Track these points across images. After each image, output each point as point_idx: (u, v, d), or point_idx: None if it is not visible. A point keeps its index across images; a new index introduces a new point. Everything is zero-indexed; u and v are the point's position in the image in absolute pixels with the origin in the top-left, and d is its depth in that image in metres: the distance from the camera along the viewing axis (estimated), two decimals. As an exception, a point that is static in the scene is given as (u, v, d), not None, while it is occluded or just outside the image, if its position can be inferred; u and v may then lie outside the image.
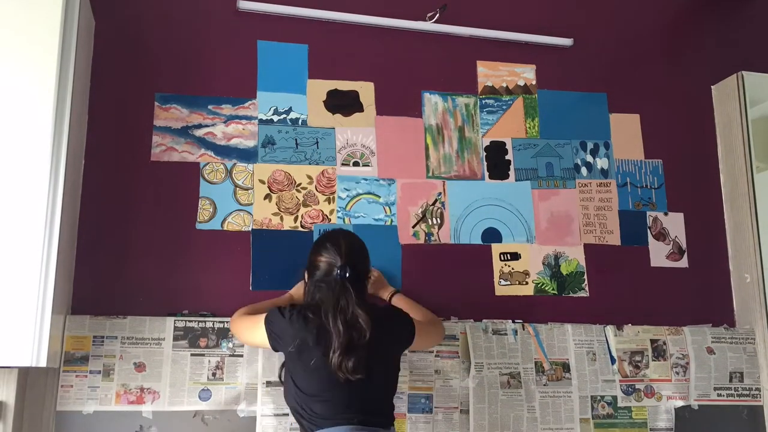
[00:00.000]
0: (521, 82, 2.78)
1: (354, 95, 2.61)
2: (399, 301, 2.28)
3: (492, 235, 2.60)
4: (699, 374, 2.56)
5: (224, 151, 2.45)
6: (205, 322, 2.24)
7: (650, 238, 2.74)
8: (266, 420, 2.20)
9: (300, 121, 2.54)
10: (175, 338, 2.21)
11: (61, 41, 1.93)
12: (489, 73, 2.75)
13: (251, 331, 2.02)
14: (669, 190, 2.80)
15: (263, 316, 1.97)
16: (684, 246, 2.76)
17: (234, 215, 2.41)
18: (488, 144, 2.68)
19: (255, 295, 2.35)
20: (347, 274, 1.91)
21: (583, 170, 2.75)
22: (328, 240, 2.02)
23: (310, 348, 1.86)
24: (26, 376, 2.05)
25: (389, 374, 2.01)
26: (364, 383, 1.85)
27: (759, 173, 2.74)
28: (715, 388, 2.57)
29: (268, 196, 2.45)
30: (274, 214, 2.44)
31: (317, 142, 2.54)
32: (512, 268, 2.59)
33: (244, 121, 2.49)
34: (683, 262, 2.75)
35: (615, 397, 2.47)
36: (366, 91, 2.62)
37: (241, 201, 2.43)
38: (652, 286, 2.68)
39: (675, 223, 2.77)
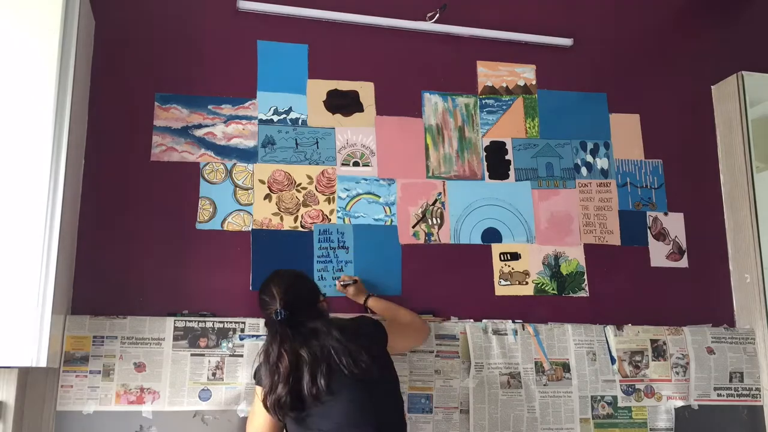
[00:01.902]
0: (521, 82, 2.78)
1: (354, 95, 2.61)
2: (375, 304, 2.31)
3: (492, 235, 2.60)
4: (699, 374, 2.56)
5: (224, 151, 2.45)
6: (205, 322, 2.24)
7: (650, 238, 2.74)
8: (266, 420, 2.19)
9: (300, 121, 2.54)
10: (175, 338, 2.21)
11: (61, 41, 1.93)
12: (489, 73, 2.75)
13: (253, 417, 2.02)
14: (669, 190, 2.80)
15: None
16: (684, 246, 2.76)
17: (234, 215, 2.41)
18: (488, 144, 2.68)
19: (255, 295, 2.34)
20: (284, 317, 1.93)
21: (583, 170, 2.75)
22: (264, 289, 2.04)
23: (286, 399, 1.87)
24: (26, 376, 2.05)
25: (385, 385, 2.00)
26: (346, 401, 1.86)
27: (759, 173, 2.74)
28: (715, 388, 2.57)
29: (268, 196, 2.45)
30: (274, 214, 2.44)
31: (317, 142, 2.54)
32: (512, 268, 2.59)
33: (244, 121, 2.49)
34: (683, 262, 2.75)
35: (615, 397, 2.47)
36: (366, 91, 2.62)
37: (241, 201, 2.43)
38: (652, 286, 2.68)
39: (675, 223, 2.77)
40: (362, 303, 2.35)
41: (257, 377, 1.98)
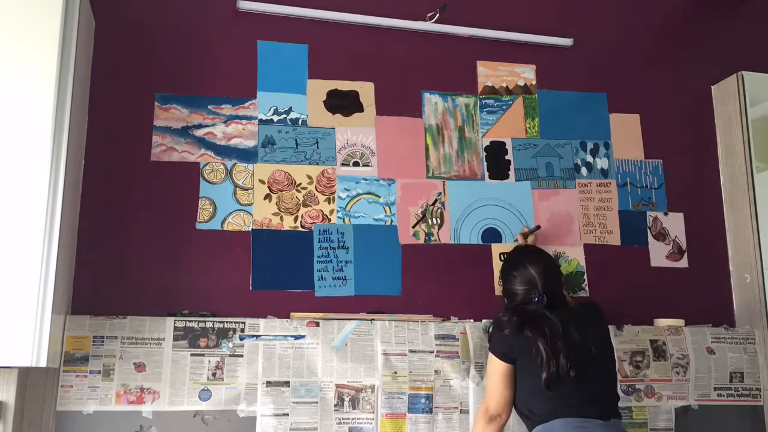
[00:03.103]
0: (521, 82, 2.78)
1: (354, 95, 2.61)
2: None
3: (492, 235, 2.60)
4: (699, 374, 2.56)
5: (224, 151, 2.45)
6: (205, 322, 2.24)
7: (650, 238, 2.74)
8: (266, 420, 2.20)
9: (300, 121, 2.54)
10: (175, 338, 2.21)
11: (61, 41, 1.93)
12: (489, 73, 2.75)
13: (492, 378, 2.09)
14: (669, 190, 2.80)
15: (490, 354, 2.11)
16: (684, 246, 2.76)
17: (234, 215, 2.41)
18: (488, 144, 2.68)
19: (255, 295, 2.35)
20: (545, 301, 2.05)
21: (583, 170, 2.75)
22: (520, 266, 2.16)
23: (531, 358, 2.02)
24: (26, 376, 2.05)
25: (609, 365, 2.12)
26: (585, 379, 1.99)
27: (759, 173, 2.74)
28: (715, 388, 2.57)
29: (268, 196, 2.45)
30: (274, 214, 2.44)
31: (317, 142, 2.54)
32: (512, 268, 2.58)
33: (244, 121, 2.49)
34: (683, 262, 2.75)
35: (615, 397, 2.47)
36: (366, 91, 2.62)
37: (241, 201, 2.43)
38: (652, 286, 2.68)
39: (675, 223, 2.77)
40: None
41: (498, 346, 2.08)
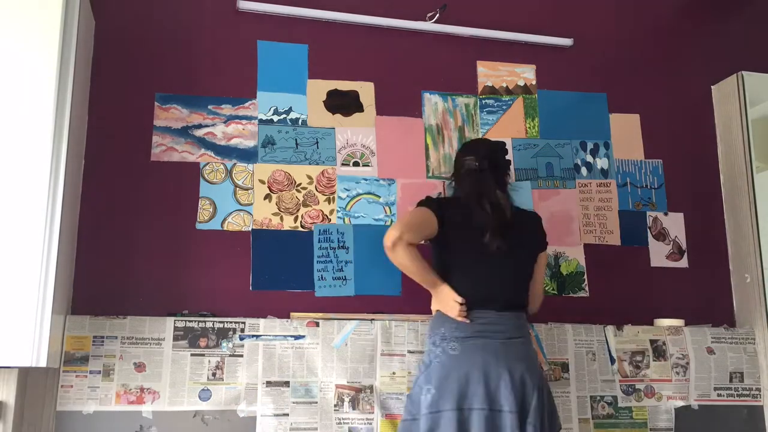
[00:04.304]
0: (521, 82, 2.78)
1: (354, 95, 2.61)
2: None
3: (492, 235, 2.59)
4: (699, 374, 2.55)
5: (224, 151, 2.46)
6: (205, 322, 2.24)
7: (650, 238, 2.74)
8: (266, 420, 2.20)
9: (300, 121, 2.54)
10: (175, 338, 2.21)
11: (61, 41, 1.93)
12: (489, 73, 2.75)
13: (416, 215, 2.12)
14: (669, 190, 2.80)
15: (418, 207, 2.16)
16: (684, 246, 2.76)
17: (234, 215, 2.41)
18: (488, 144, 2.68)
19: (255, 295, 2.35)
20: (486, 166, 2.16)
21: (583, 170, 2.75)
22: (468, 144, 2.35)
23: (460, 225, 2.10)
24: (26, 376, 2.05)
25: (530, 264, 2.21)
26: (509, 264, 2.09)
27: (759, 173, 2.74)
28: (715, 388, 2.57)
29: (268, 196, 2.45)
30: (274, 214, 2.44)
31: (317, 142, 2.54)
32: (512, 268, 2.58)
33: (244, 121, 2.49)
34: (683, 262, 2.75)
35: (615, 397, 2.47)
36: (366, 91, 2.62)
37: (241, 201, 2.43)
38: (652, 286, 2.68)
39: (675, 223, 2.77)
40: None
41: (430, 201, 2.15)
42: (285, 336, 2.27)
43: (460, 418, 1.90)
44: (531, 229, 2.24)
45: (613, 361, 2.50)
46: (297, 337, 2.28)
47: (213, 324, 2.24)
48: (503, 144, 2.34)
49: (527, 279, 2.19)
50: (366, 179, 2.54)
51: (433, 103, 2.67)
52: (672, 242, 2.75)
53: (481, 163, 2.17)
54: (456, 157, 2.32)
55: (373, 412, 2.28)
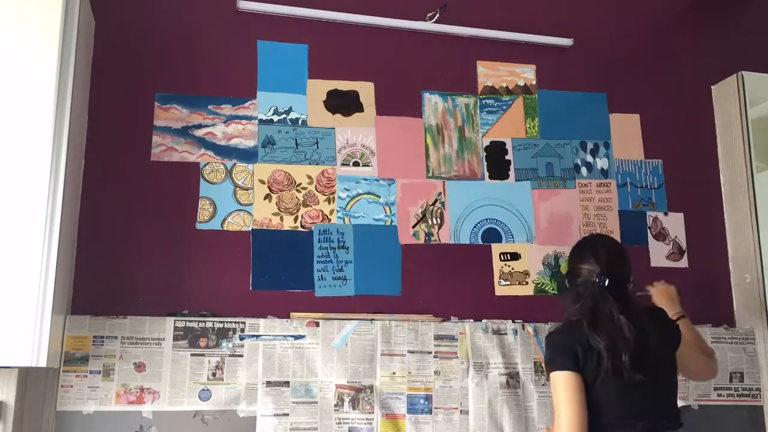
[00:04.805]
0: (521, 82, 2.78)
1: (354, 95, 2.61)
2: (683, 327, 2.08)
3: (492, 235, 2.60)
4: (699, 374, 2.55)
5: (224, 151, 2.46)
6: (205, 322, 2.24)
7: (650, 238, 2.74)
8: (266, 420, 2.20)
9: (300, 121, 2.54)
10: (175, 338, 2.21)
11: (61, 41, 1.93)
12: (489, 73, 2.75)
13: (558, 388, 1.82)
14: (669, 190, 2.80)
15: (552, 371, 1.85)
16: (684, 246, 2.76)
17: (234, 215, 2.41)
18: (488, 144, 2.68)
19: (255, 295, 2.35)
20: (606, 282, 1.88)
21: (583, 170, 2.75)
22: (587, 247, 2.01)
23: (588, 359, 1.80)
24: (26, 376, 2.05)
25: (672, 375, 1.94)
26: (649, 386, 1.81)
27: (759, 173, 2.74)
28: (715, 388, 2.57)
29: (268, 196, 2.45)
30: (274, 214, 2.44)
31: (317, 142, 2.54)
32: (512, 268, 2.59)
33: (244, 121, 2.49)
34: (683, 262, 2.75)
35: (615, 397, 2.47)
36: (366, 91, 2.62)
37: (241, 201, 2.43)
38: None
39: (675, 223, 2.77)
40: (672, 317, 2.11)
41: (557, 361, 1.83)
42: (285, 336, 2.27)
43: None
44: (664, 334, 1.95)
45: (613, 361, 2.49)
46: (297, 337, 2.28)
47: (213, 324, 2.24)
48: (622, 248, 2.08)
49: (673, 391, 1.94)
50: (366, 179, 2.55)
51: (433, 103, 2.67)
52: (672, 242, 2.75)
53: (601, 279, 1.90)
54: (572, 255, 2.03)
55: (373, 412, 2.28)
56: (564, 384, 1.80)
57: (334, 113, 2.58)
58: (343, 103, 2.59)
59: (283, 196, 2.47)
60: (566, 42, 2.81)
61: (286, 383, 2.24)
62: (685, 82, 2.92)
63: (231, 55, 2.53)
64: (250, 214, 2.42)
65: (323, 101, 2.58)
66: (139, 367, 2.17)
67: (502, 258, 2.58)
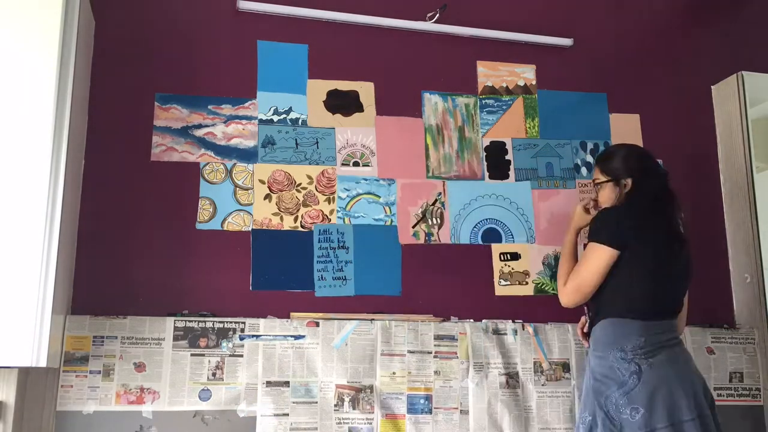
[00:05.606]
0: (521, 82, 2.78)
1: (354, 95, 2.61)
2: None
3: (492, 235, 2.60)
4: (699, 374, 2.55)
5: (224, 151, 2.46)
6: (205, 322, 2.24)
7: (650, 238, 2.74)
8: (266, 420, 2.20)
9: (300, 121, 2.54)
10: (175, 338, 2.21)
11: (61, 41, 1.93)
12: (489, 73, 2.75)
13: (591, 257, 2.07)
14: (669, 190, 2.80)
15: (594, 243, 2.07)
16: (684, 246, 2.76)
17: (234, 215, 2.41)
18: (488, 144, 2.68)
19: (255, 295, 2.35)
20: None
21: (583, 170, 2.75)
22: (642, 150, 2.32)
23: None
24: (26, 376, 2.05)
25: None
26: (685, 274, 2.10)
27: (759, 173, 2.74)
28: (715, 388, 2.57)
29: (268, 196, 2.45)
30: (274, 214, 2.44)
31: (317, 142, 2.54)
32: (512, 268, 2.59)
33: (244, 121, 2.49)
34: (683, 262, 2.74)
35: (615, 397, 2.47)
36: (366, 91, 2.62)
37: (241, 201, 2.43)
38: (652, 286, 2.68)
39: (675, 223, 2.77)
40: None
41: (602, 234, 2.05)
42: (285, 336, 2.28)
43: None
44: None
45: (613, 361, 2.49)
46: (297, 337, 2.28)
47: (213, 324, 2.25)
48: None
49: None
50: (366, 179, 2.55)
51: (433, 103, 2.67)
52: (672, 242, 2.75)
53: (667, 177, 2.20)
54: (627, 156, 2.22)
55: (373, 412, 2.28)
56: (599, 256, 2.04)
57: (334, 113, 2.58)
58: (343, 103, 2.59)
59: (283, 196, 2.47)
60: (566, 42, 2.81)
61: (286, 383, 2.24)
62: (685, 82, 2.92)
63: (231, 55, 2.53)
64: (250, 214, 2.42)
65: (323, 101, 2.58)
66: (139, 367, 2.17)
67: (502, 258, 2.58)
